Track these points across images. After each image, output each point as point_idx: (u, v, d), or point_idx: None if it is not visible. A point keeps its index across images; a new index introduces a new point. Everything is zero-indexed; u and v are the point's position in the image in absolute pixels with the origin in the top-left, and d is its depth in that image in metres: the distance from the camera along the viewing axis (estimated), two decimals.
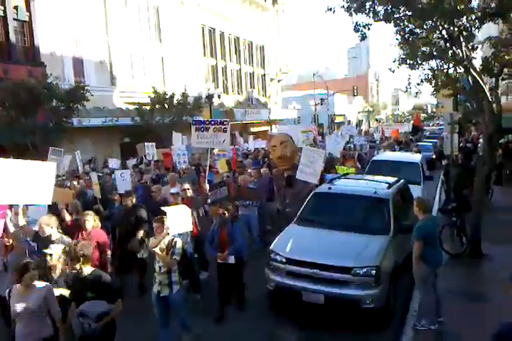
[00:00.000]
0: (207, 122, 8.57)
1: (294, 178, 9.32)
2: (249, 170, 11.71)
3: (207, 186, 8.64)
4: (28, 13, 18.09)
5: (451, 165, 12.33)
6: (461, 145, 17.70)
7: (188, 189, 8.34)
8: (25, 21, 18.12)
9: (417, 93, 11.67)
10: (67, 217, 7.56)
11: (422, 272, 5.96)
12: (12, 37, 17.47)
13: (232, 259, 6.66)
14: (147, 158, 15.85)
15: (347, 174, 9.85)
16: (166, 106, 20.90)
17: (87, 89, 16.02)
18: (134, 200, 8.13)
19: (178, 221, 5.81)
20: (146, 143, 15.51)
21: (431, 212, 6.52)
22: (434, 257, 6.11)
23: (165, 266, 5.59)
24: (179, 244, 5.70)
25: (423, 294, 6.22)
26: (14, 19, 17.61)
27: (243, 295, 7.01)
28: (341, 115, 59.85)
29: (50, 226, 6.06)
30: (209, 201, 8.28)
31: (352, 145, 19.51)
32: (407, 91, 11.09)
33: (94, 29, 21.52)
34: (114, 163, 15.65)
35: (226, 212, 6.85)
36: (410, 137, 27.55)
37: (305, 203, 8.08)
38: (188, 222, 5.97)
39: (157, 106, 20.81)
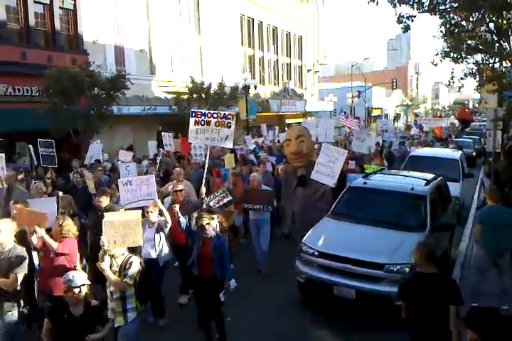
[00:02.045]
0: (208, 114, 7.27)
1: (309, 178, 8.36)
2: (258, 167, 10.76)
3: (203, 189, 7.39)
4: (73, 2, 18.50)
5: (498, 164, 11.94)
6: (505, 142, 17.10)
7: (180, 191, 7.12)
8: (70, 10, 18.55)
9: (460, 87, 11.34)
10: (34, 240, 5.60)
11: (479, 259, 6.06)
12: (57, 25, 17.93)
13: (233, 284, 5.94)
14: (164, 149, 14.54)
15: (368, 174, 9.09)
16: (203, 95, 21.08)
17: (128, 78, 16.32)
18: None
19: (123, 233, 4.78)
20: (163, 133, 14.28)
21: (499, 202, 6.47)
22: (493, 246, 6.04)
23: (117, 291, 4.77)
24: (135, 266, 4.78)
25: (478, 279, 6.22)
26: (60, 7, 18.05)
27: (223, 329, 5.73)
28: (379, 108, 58.80)
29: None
30: (204, 207, 7.10)
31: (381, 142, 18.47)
32: (449, 85, 10.77)
33: (136, 18, 21.83)
34: (125, 155, 13.73)
35: (210, 223, 5.72)
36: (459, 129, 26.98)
37: (339, 197, 8.04)
38: (138, 234, 4.89)
39: (194, 95, 21.01)
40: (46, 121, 14.36)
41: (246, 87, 23.45)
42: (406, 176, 8.83)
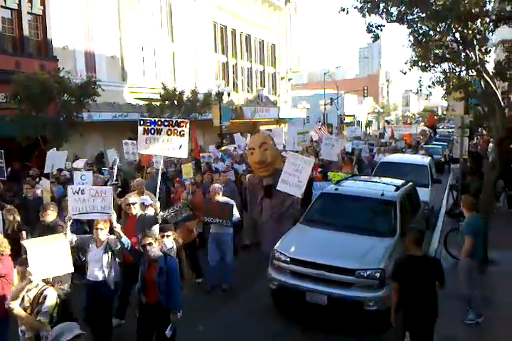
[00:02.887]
0: (158, 122, 6.53)
1: (275, 188, 8.04)
2: (217, 176, 10.18)
3: (157, 204, 6.58)
4: (42, 7, 18.17)
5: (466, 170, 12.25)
6: (470, 149, 17.56)
7: (133, 204, 6.53)
8: (39, 15, 18.21)
9: (428, 95, 11.62)
10: None
11: (469, 266, 6.16)
12: (25, 30, 17.56)
13: (169, 333, 4.89)
14: (125, 157, 14.23)
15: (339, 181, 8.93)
16: (176, 102, 20.95)
17: (99, 84, 16.09)
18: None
19: (48, 260, 4.26)
20: (125, 141, 13.85)
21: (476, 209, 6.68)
22: (480, 252, 6.36)
23: (28, 330, 4.23)
24: (50, 300, 4.16)
25: (470, 288, 6.27)
26: (28, 13, 17.69)
27: None
28: (351, 115, 59.60)
29: None
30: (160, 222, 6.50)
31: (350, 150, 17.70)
32: (418, 93, 11.02)
33: (107, 24, 21.60)
34: (79, 162, 13.04)
35: (152, 243, 4.96)
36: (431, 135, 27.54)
37: (311, 203, 8.08)
38: (67, 260, 4.48)
39: (167, 102, 20.87)
40: (13, 128, 14.00)
41: (219, 94, 23.44)
42: (377, 182, 8.95)
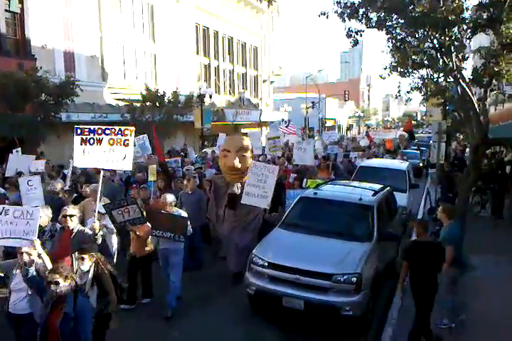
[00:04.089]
0: (98, 131, 5.62)
1: (239, 199, 7.57)
2: (185, 182, 9.31)
3: (96, 223, 5.50)
4: (20, 5, 17.83)
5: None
6: (451, 154, 17.82)
7: (70, 216, 5.59)
8: (16, 13, 17.88)
9: (407, 101, 11.76)
10: None
11: (453, 274, 6.18)
12: (2, 28, 17.20)
13: None
14: None
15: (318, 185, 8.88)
16: (157, 104, 20.78)
17: (77, 84, 15.86)
18: None
19: None
20: None
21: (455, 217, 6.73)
22: (463, 259, 6.38)
23: None
24: None
25: (452, 294, 6.28)
26: (6, 10, 17.36)
27: None
28: (332, 119, 60.08)
29: None
30: (100, 233, 5.54)
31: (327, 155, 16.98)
32: (397, 98, 11.15)
33: (87, 24, 21.31)
34: (36, 164, 11.59)
35: (63, 280, 3.96)
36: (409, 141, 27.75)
37: (290, 207, 8.08)
38: None
39: (148, 103, 20.68)
40: None
41: (201, 96, 23.33)
42: (355, 187, 9.00)
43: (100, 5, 21.96)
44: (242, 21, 35.64)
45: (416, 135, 40.40)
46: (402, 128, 44.48)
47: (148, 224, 6.58)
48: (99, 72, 22.28)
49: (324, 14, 9.20)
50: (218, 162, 9.41)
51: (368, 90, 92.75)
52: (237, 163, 7.70)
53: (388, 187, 9.05)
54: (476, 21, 8.52)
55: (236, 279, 7.72)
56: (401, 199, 10.17)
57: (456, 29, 8.41)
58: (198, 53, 30.55)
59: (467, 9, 8.68)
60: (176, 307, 6.77)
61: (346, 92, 52.47)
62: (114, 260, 7.37)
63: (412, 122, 32.82)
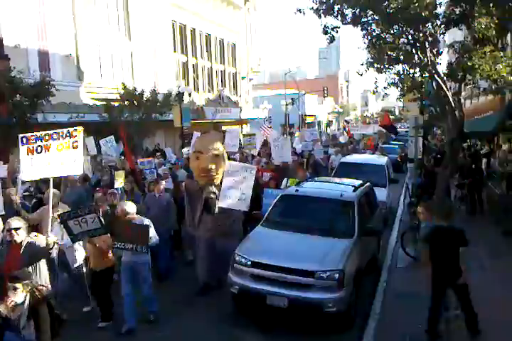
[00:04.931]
0: (46, 137, 5.16)
1: (214, 202, 7.29)
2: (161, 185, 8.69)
3: (50, 238, 4.99)
4: None
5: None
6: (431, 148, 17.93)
7: (15, 229, 5.03)
8: None
9: (384, 96, 11.86)
10: None
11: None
12: None
13: None
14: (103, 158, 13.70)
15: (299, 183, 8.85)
16: (135, 102, 20.55)
17: (53, 84, 15.56)
18: None
19: None
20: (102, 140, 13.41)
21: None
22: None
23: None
24: None
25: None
26: None
27: None
28: (312, 115, 60.31)
29: None
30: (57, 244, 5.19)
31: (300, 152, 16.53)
32: (374, 93, 11.24)
33: (61, 22, 20.91)
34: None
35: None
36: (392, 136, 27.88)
37: (271, 205, 8.07)
38: None
39: (126, 102, 20.43)
40: None
41: (180, 94, 23.16)
42: (336, 183, 9.04)
43: (74, 2, 21.58)
44: (220, 18, 35.46)
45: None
46: (379, 123, 44.94)
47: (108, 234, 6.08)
48: (74, 71, 21.92)
49: (300, 11, 9.23)
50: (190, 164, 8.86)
51: (347, 86, 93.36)
52: (211, 165, 7.20)
53: (368, 183, 9.13)
54: (449, 17, 8.66)
55: (203, 291, 7.42)
56: (380, 194, 10.28)
57: (430, 25, 8.52)
58: (175, 51, 30.30)
59: (440, 5, 8.84)
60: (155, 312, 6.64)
61: (325, 88, 52.72)
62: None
63: (390, 117, 33.10)
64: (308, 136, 18.38)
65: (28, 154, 5.21)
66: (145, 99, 20.68)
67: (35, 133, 5.25)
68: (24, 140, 5.25)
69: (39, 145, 5.20)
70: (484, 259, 8.58)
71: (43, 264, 5.11)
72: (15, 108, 14.89)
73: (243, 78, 40.66)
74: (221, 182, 7.41)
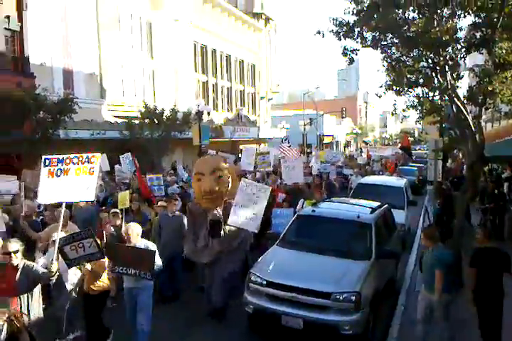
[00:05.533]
0: (67, 160, 5.17)
1: (220, 225, 7.04)
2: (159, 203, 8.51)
3: (54, 265, 4.75)
4: (19, 23, 18.06)
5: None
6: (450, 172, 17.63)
7: (14, 253, 4.75)
8: (16, 31, 18.10)
9: (403, 118, 11.86)
10: None
11: (446, 301, 5.88)
12: (2, 46, 17.41)
13: None
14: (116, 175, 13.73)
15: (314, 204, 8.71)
16: (156, 120, 20.90)
17: (76, 102, 15.96)
18: None
19: None
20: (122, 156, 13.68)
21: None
22: (452, 284, 6.12)
23: None
24: None
25: (447, 321, 5.96)
26: (5, 28, 17.58)
27: None
28: (330, 135, 60.38)
29: None
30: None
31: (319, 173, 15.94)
32: (393, 115, 11.24)
33: (86, 41, 21.58)
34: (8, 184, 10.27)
35: None
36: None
37: (288, 225, 8.06)
38: None
39: (146, 120, 20.80)
40: None
41: (199, 113, 23.50)
42: (353, 204, 9.00)
43: (99, 22, 22.28)
44: (240, 39, 36.15)
45: (414, 152, 40.59)
46: (399, 145, 44.66)
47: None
48: (97, 90, 22.46)
49: (320, 33, 9.33)
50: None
51: (366, 107, 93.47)
52: (213, 186, 6.88)
53: (386, 205, 9.07)
54: (469, 41, 8.66)
55: (217, 316, 7.16)
56: (399, 216, 10.18)
57: (450, 49, 8.54)
58: (196, 70, 30.89)
59: (461, 29, 8.84)
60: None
61: (344, 109, 52.84)
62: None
63: (409, 138, 32.99)
64: (329, 158, 18.09)
65: (48, 177, 5.15)
66: (165, 117, 21.03)
67: (57, 156, 5.21)
68: (47, 162, 5.20)
69: (59, 169, 5.16)
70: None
71: (36, 288, 4.87)
72: (38, 124, 15.28)
73: (262, 98, 41.09)
74: (225, 206, 7.16)
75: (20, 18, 18.11)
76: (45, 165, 5.16)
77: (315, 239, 7.57)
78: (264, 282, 6.48)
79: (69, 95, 16.40)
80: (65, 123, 16.14)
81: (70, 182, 5.10)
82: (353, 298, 6.02)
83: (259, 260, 7.16)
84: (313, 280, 6.25)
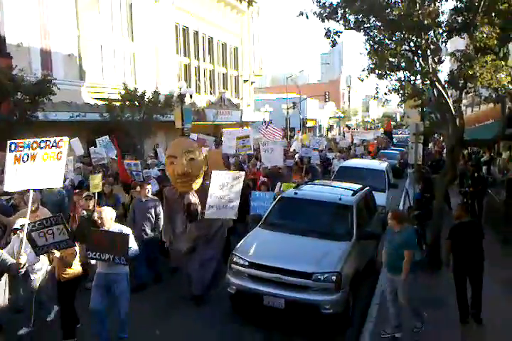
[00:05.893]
0: (33, 144, 4.90)
1: (196, 208, 6.94)
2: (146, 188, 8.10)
3: (23, 257, 4.60)
4: None
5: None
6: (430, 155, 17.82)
7: None
8: None
9: (384, 102, 11.92)
10: None
11: (409, 281, 5.97)
12: None
13: None
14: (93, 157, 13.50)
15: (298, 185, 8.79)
16: (137, 103, 20.60)
17: (54, 83, 15.62)
18: None
19: None
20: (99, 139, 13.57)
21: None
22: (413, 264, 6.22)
23: None
24: None
25: (408, 302, 6.09)
26: None
27: None
28: (313, 119, 60.48)
29: None
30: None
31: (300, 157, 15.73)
32: (375, 99, 11.28)
33: (65, 22, 20.99)
34: None
35: None
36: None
37: (270, 207, 8.12)
38: None
39: (127, 103, 20.48)
40: None
41: (181, 96, 23.23)
42: (335, 187, 9.10)
43: (77, 2, 21.67)
44: (223, 22, 35.61)
45: (395, 136, 40.96)
46: (382, 129, 44.99)
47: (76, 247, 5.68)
48: (76, 71, 21.98)
49: (303, 14, 9.25)
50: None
51: (348, 91, 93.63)
52: (186, 168, 6.79)
53: (367, 187, 9.19)
54: (451, 25, 8.71)
55: (197, 302, 7.16)
56: (380, 198, 10.34)
57: (432, 32, 8.57)
58: (178, 53, 30.40)
59: (443, 13, 8.87)
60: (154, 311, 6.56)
61: (327, 93, 52.90)
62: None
63: (392, 123, 33.29)
64: (313, 144, 17.98)
65: (14, 163, 4.87)
66: (146, 99, 20.75)
67: (24, 140, 4.94)
68: (13, 146, 4.89)
69: (26, 154, 4.89)
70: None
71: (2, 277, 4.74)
72: (16, 106, 14.94)
73: (245, 81, 40.78)
74: (200, 189, 7.09)
75: None
76: (11, 151, 4.86)
77: (297, 220, 7.66)
78: (247, 263, 6.56)
79: (47, 76, 16.02)
80: (44, 105, 15.81)
81: (37, 168, 4.88)
82: (334, 277, 6.14)
83: (241, 242, 7.21)
84: (295, 261, 6.35)
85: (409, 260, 5.88)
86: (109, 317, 5.83)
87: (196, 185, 7.15)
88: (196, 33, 32.51)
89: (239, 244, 7.16)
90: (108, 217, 5.85)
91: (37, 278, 6.09)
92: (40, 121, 16.23)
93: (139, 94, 20.51)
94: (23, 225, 4.89)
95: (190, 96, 25.92)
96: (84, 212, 7.49)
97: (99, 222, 5.90)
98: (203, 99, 32.64)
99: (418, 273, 6.26)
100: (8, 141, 4.90)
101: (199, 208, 6.98)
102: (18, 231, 5.46)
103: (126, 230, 5.90)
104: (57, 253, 5.38)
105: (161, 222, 7.93)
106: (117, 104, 20.44)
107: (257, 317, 6.65)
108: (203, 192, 6.98)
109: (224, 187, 6.72)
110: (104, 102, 20.92)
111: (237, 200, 6.85)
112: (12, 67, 15.22)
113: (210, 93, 34.90)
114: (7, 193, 8.07)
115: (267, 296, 6.26)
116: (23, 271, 4.61)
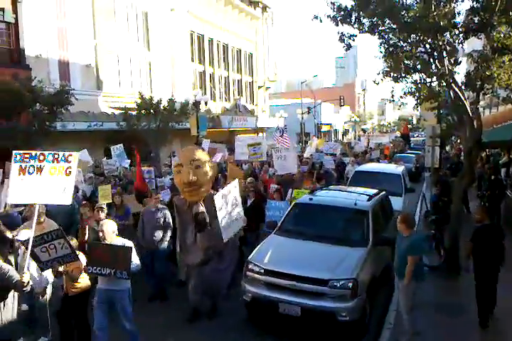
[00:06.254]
0: (40, 156, 4.74)
1: (204, 217, 6.82)
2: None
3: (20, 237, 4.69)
4: (14, 15, 17.85)
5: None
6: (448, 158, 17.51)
7: None
8: (11, 23, 17.91)
9: (400, 105, 11.79)
10: None
11: (412, 288, 5.91)
12: None
13: None
14: (104, 167, 13.46)
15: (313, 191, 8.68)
16: (153, 111, 20.78)
17: (72, 93, 15.86)
18: None
19: None
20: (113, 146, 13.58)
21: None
22: (421, 271, 6.15)
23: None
24: None
25: (409, 310, 5.99)
26: (0, 21, 17.40)
27: None
28: (328, 124, 60.22)
29: None
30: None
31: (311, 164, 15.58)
32: (391, 102, 11.16)
33: (82, 33, 21.38)
34: None
35: None
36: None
37: (285, 213, 8.06)
38: None
39: (143, 111, 20.68)
40: None
41: (197, 103, 23.36)
42: (350, 192, 8.99)
43: (94, 13, 22.05)
44: (237, 28, 35.83)
45: (411, 139, 40.49)
46: (398, 132, 44.53)
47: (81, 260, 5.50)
48: (94, 81, 22.31)
49: (317, 18, 9.22)
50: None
51: (364, 95, 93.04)
52: (191, 177, 6.62)
53: (383, 192, 9.06)
54: (467, 26, 8.58)
55: (210, 316, 6.98)
56: (396, 203, 10.17)
57: (448, 34, 8.46)
58: (193, 60, 30.65)
59: (459, 14, 8.74)
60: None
61: (342, 97, 52.63)
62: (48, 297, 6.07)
63: (408, 126, 32.94)
64: (326, 149, 17.80)
65: (19, 174, 4.70)
66: (162, 107, 20.92)
67: (30, 152, 4.81)
68: (18, 157, 4.70)
69: (32, 166, 4.71)
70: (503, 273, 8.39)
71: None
72: (35, 116, 15.20)
73: (260, 87, 40.88)
74: (207, 197, 6.93)
75: (15, 10, 17.90)
76: (16, 161, 4.71)
77: (312, 226, 7.57)
78: (262, 270, 6.50)
79: (65, 87, 16.28)
80: (62, 115, 16.06)
81: (44, 181, 4.69)
82: (350, 284, 6.04)
83: (256, 249, 7.16)
84: (311, 268, 6.27)
85: (411, 265, 5.79)
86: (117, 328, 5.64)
87: (203, 193, 6.98)
88: (211, 40, 32.76)
89: (254, 251, 7.10)
90: (110, 230, 5.69)
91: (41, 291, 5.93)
92: (59, 131, 16.48)
93: (154, 103, 20.70)
94: (26, 240, 4.74)
95: (206, 104, 26.09)
96: (95, 223, 7.36)
97: (101, 235, 5.73)
98: (218, 105, 32.80)
99: (433, 279, 6.21)
100: (14, 151, 4.77)
101: (207, 217, 6.82)
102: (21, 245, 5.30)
103: (129, 243, 5.75)
104: (60, 268, 5.23)
105: (169, 232, 7.86)
106: (133, 112, 20.65)
107: (273, 325, 6.57)
108: (208, 201, 6.79)
109: (228, 203, 6.59)
110: (120, 111, 21.17)
111: (240, 205, 6.84)
112: (31, 79, 15.51)
113: (225, 100, 35.06)
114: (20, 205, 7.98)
115: (282, 303, 6.19)
116: (27, 289, 4.49)
